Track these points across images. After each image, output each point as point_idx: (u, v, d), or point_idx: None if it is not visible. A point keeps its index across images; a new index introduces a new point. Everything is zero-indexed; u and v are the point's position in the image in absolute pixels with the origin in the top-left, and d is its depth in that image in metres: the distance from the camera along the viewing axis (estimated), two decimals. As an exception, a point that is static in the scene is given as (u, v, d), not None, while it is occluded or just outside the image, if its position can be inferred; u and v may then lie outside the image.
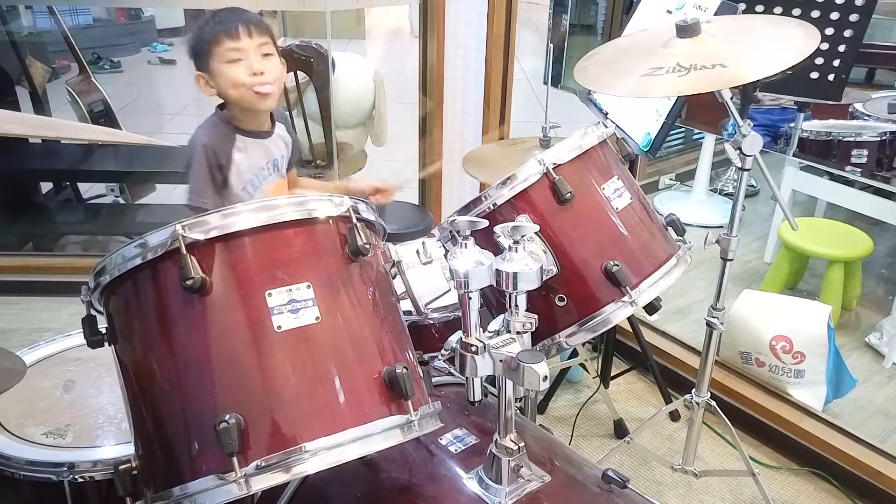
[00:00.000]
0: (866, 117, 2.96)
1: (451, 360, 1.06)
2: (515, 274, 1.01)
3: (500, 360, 1.01)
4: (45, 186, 3.63)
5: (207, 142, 1.51)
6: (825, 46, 1.72)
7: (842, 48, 1.73)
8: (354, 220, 1.02)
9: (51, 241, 3.53)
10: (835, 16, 1.72)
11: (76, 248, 3.53)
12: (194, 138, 1.52)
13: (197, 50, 1.49)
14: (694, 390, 1.85)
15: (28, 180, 3.54)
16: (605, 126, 1.31)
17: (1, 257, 3.09)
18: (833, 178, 3.08)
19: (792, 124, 2.97)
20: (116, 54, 6.52)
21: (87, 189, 3.77)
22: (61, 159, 3.55)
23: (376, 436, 0.94)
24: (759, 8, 1.80)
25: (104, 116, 3.67)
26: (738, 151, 1.50)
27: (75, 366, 1.52)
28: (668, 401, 2.30)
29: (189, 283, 0.91)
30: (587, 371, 2.43)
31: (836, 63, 1.75)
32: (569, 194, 1.20)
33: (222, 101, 1.56)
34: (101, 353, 1.07)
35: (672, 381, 2.39)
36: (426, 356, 1.28)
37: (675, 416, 2.39)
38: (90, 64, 4.09)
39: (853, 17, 1.70)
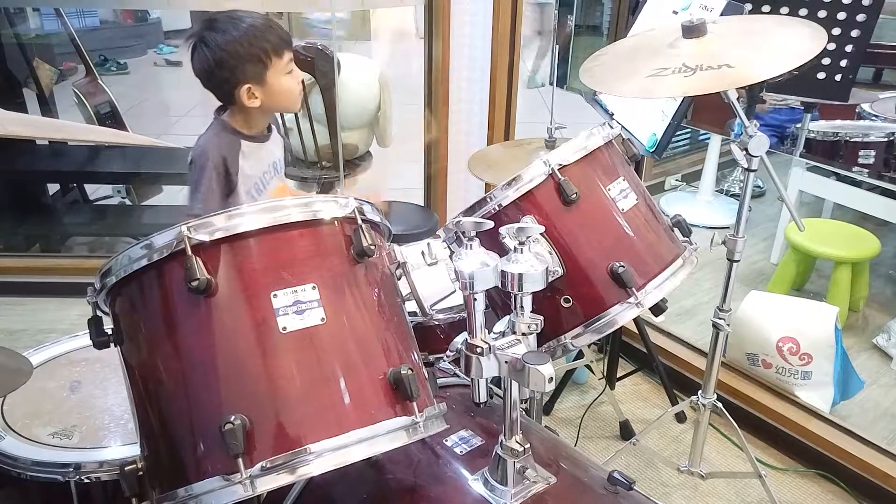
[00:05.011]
0: (874, 118, 2.94)
1: (456, 362, 1.06)
2: (521, 275, 1.01)
3: (506, 362, 1.01)
4: (52, 188, 3.65)
5: (218, 153, 1.51)
6: (832, 47, 1.71)
7: (849, 48, 1.72)
8: (359, 222, 1.02)
9: (57, 242, 3.54)
10: (842, 16, 1.71)
11: (83, 250, 3.54)
12: (204, 150, 1.51)
13: (250, 60, 1.47)
14: (700, 392, 1.84)
15: (35, 182, 3.56)
16: (611, 127, 1.31)
17: (8, 258, 3.10)
18: (840, 178, 3.07)
19: (798, 125, 2.96)
20: (123, 56, 6.53)
21: (94, 190, 3.78)
22: (68, 161, 3.56)
23: (381, 437, 0.94)
24: (766, 8, 1.79)
25: (111, 118, 3.68)
26: (744, 152, 1.50)
27: (82, 367, 1.52)
28: (674, 402, 2.29)
29: (194, 284, 0.91)
30: (593, 372, 2.43)
31: (843, 63, 1.74)
32: (574, 195, 1.19)
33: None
34: (107, 354, 1.07)
35: (678, 383, 2.38)
36: (431, 357, 1.29)
37: (681, 417, 2.38)
38: (97, 66, 4.09)
39: (860, 17, 1.70)
